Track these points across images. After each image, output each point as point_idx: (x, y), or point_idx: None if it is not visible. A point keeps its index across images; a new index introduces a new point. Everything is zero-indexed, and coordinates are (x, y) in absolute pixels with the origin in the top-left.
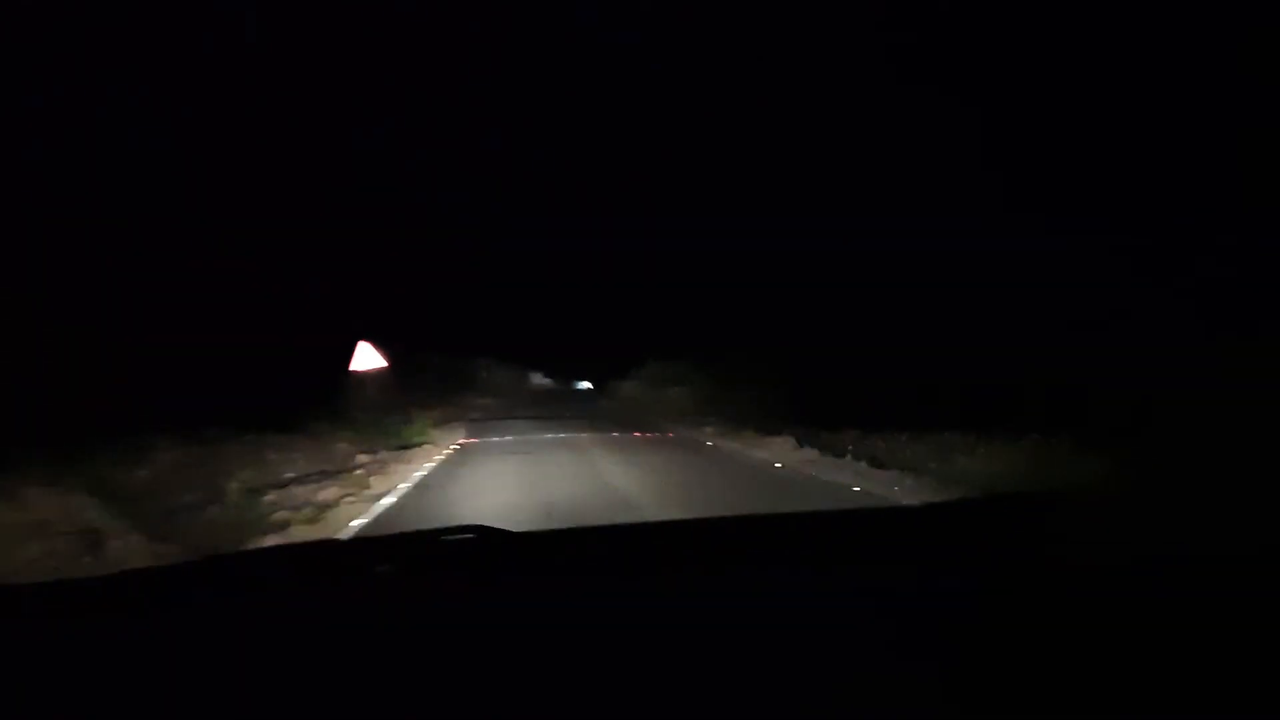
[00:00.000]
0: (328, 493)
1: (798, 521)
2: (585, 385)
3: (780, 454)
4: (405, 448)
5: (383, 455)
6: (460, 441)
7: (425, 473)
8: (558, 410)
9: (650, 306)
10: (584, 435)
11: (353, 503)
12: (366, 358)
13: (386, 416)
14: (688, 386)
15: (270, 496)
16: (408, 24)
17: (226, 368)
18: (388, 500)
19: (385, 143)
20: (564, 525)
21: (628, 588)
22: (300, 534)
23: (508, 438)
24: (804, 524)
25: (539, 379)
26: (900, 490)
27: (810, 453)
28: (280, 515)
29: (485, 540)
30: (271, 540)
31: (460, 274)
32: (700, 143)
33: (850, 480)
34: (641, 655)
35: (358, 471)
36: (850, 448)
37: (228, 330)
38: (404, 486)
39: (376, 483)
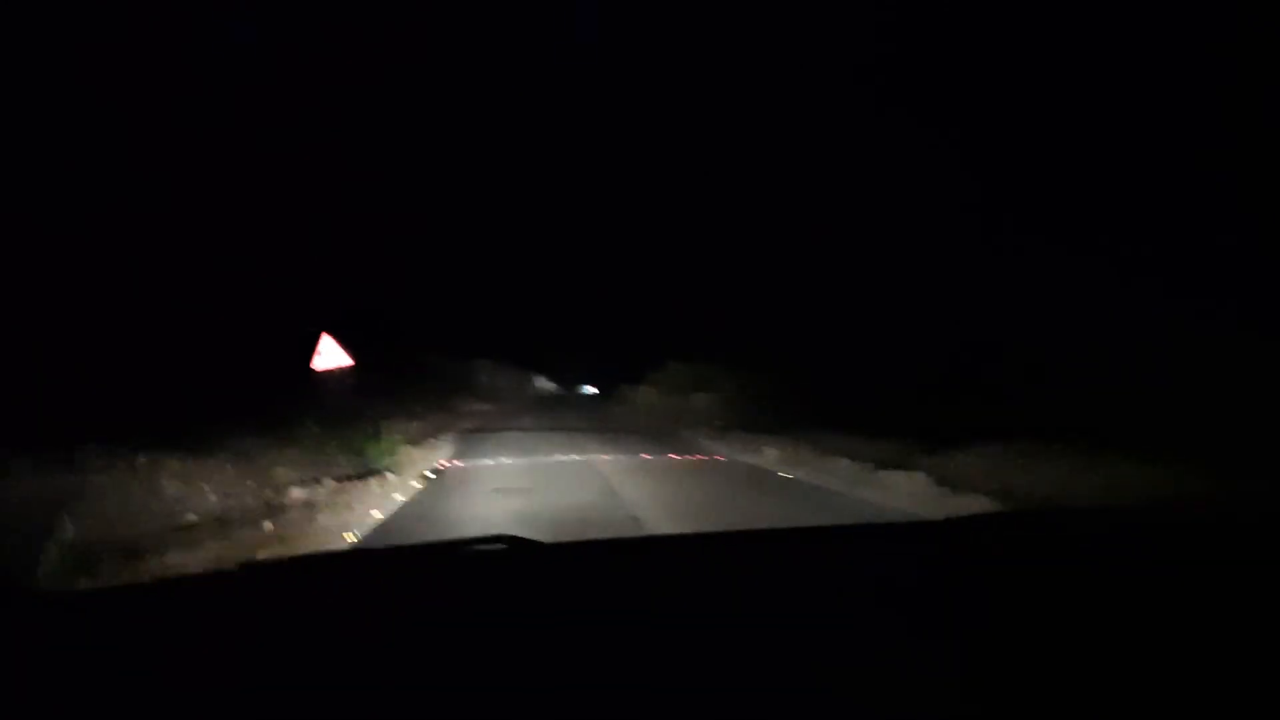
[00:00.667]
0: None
1: (823, 535)
2: (592, 390)
3: (923, 500)
4: (363, 476)
5: (326, 488)
6: (441, 465)
7: (368, 530)
8: (566, 419)
9: (665, 304)
10: (605, 458)
11: None
12: (332, 354)
13: (352, 428)
14: (717, 392)
15: (103, 574)
16: (413, 23)
17: (145, 364)
18: None
19: (381, 128)
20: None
21: (654, 597)
22: None
23: (504, 460)
24: (827, 537)
25: (543, 383)
26: None
27: (974, 499)
28: None
29: (516, 550)
30: None
31: (460, 271)
32: (707, 139)
33: None
34: (667, 659)
35: (265, 526)
36: (1034, 490)
37: (155, 319)
38: None
39: (281, 549)
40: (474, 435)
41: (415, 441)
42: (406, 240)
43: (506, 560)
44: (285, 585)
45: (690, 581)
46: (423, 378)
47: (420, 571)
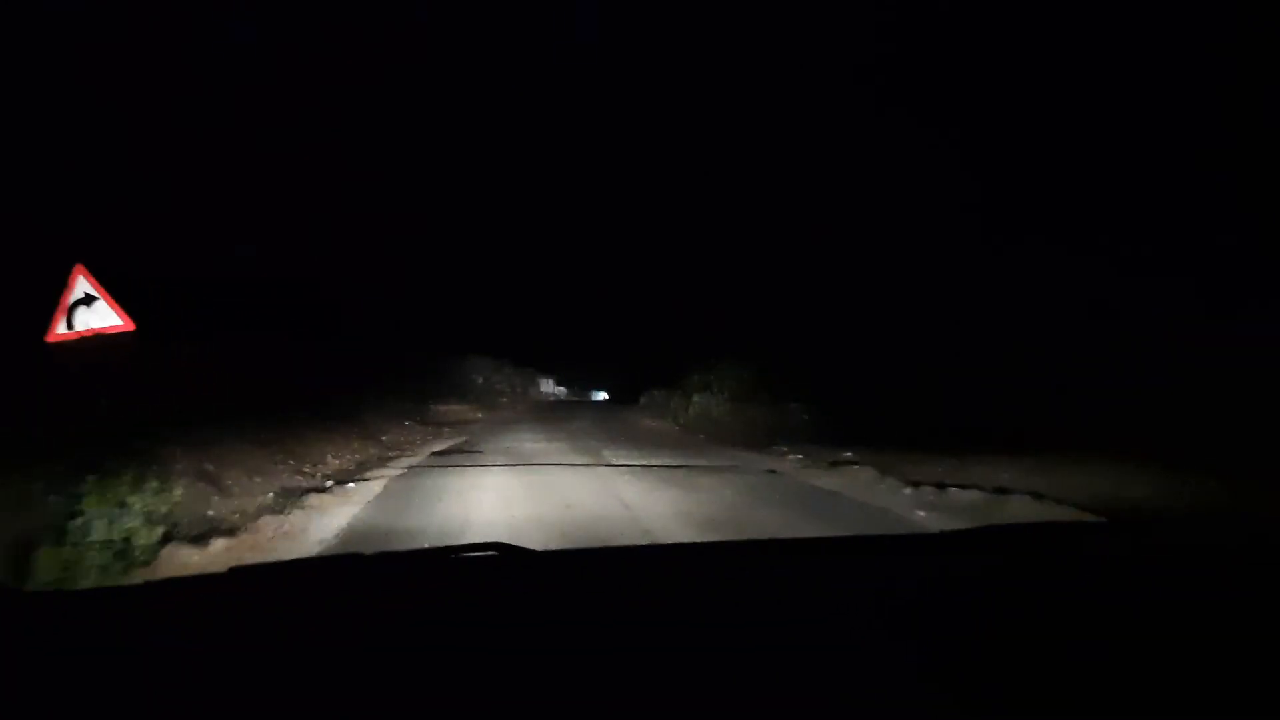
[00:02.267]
0: None
1: (816, 546)
2: (604, 395)
3: None
4: None
5: None
6: None
7: None
8: (591, 440)
9: (678, 302)
10: None
11: None
12: (94, 312)
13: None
14: (815, 401)
15: None
16: (413, 23)
17: None
18: None
19: (381, 128)
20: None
21: (644, 608)
22: None
23: None
24: (821, 548)
25: (549, 385)
26: None
27: None
28: None
29: (507, 557)
30: None
31: (458, 267)
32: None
33: None
34: (654, 671)
35: None
36: None
37: None
38: None
39: None
40: (431, 475)
41: (291, 498)
42: (404, 236)
43: (497, 567)
44: (274, 588)
45: (685, 590)
46: (400, 377)
47: (410, 576)
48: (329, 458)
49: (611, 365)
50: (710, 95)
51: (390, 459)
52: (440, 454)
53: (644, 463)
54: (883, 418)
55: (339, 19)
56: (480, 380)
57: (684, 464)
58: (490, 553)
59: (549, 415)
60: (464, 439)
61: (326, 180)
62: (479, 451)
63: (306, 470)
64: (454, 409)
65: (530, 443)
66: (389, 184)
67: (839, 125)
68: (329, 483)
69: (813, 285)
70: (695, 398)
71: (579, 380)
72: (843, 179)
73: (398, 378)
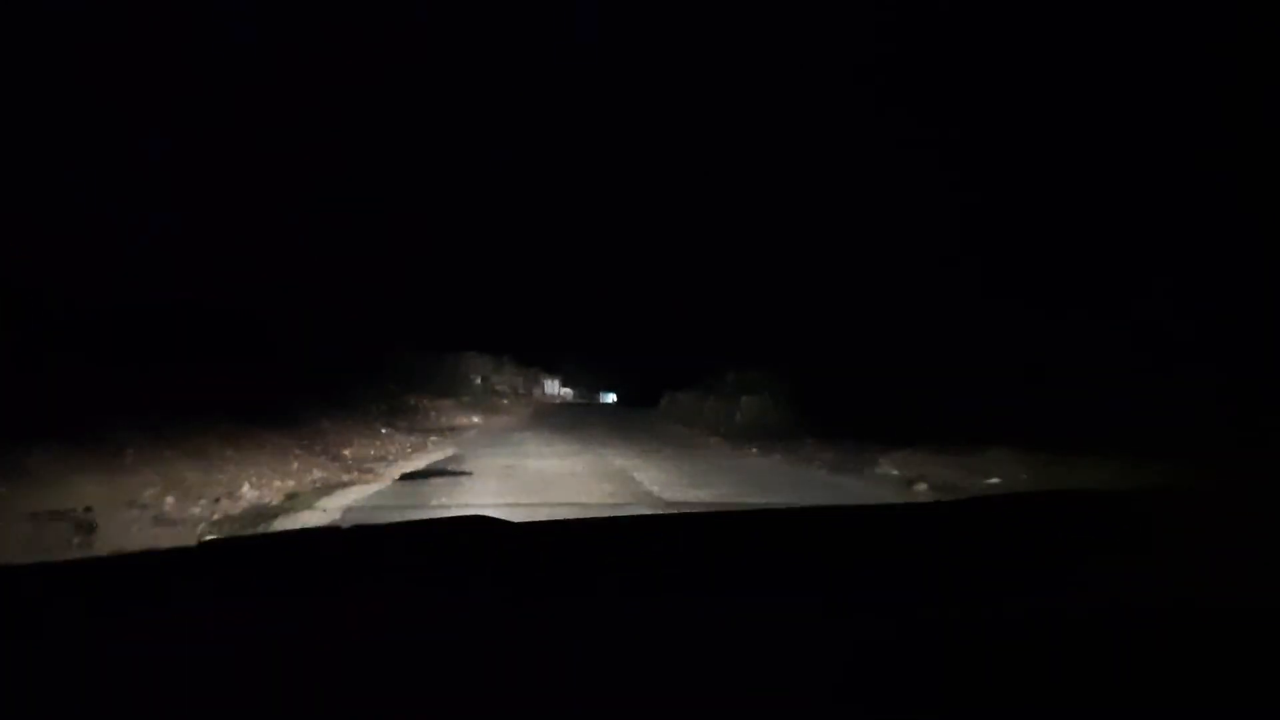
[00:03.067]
0: None
1: (808, 516)
2: (612, 398)
3: None
4: None
5: None
6: None
7: None
8: (615, 455)
9: (681, 302)
10: None
11: None
12: None
13: None
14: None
15: None
16: (413, 23)
17: None
18: None
19: (381, 128)
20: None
21: (629, 583)
22: None
23: None
24: (814, 518)
25: (554, 387)
26: None
27: None
28: None
29: (486, 529)
30: None
31: (458, 266)
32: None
33: None
34: (642, 652)
35: None
36: None
37: None
38: None
39: None
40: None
41: None
42: (403, 234)
43: (478, 537)
44: (244, 562)
45: (671, 560)
46: (384, 377)
47: (385, 549)
48: (244, 487)
49: (621, 365)
50: (710, 95)
51: (337, 487)
52: (410, 479)
53: (708, 497)
54: (946, 423)
55: (339, 19)
56: (478, 380)
57: (768, 502)
58: (470, 526)
59: (557, 420)
60: (450, 453)
61: (326, 179)
62: (466, 473)
63: (195, 511)
64: (446, 413)
65: (536, 459)
66: (388, 182)
67: (838, 125)
68: (208, 536)
69: (828, 280)
70: (743, 400)
71: (586, 381)
72: (842, 174)
73: (381, 378)
